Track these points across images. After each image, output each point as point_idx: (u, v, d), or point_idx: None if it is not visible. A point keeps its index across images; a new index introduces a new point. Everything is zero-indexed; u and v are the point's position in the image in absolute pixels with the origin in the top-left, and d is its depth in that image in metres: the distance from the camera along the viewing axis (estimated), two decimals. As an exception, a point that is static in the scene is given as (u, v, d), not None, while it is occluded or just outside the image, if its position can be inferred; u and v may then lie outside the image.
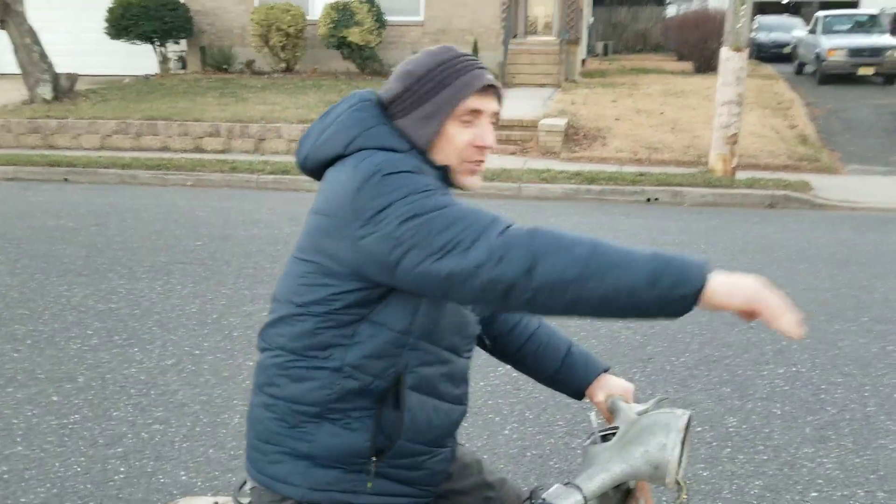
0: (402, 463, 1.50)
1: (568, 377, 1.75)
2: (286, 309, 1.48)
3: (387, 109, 1.50)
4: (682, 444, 1.48)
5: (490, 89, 1.48)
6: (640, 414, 1.55)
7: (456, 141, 1.46)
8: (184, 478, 3.26)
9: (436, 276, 1.27)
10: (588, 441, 1.54)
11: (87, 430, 3.64)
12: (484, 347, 1.79)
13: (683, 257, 1.23)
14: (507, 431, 3.63)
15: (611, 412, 1.63)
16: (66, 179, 9.72)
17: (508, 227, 1.27)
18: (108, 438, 3.57)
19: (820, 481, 3.23)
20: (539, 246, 1.23)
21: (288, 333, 1.47)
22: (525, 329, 1.77)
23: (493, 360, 4.23)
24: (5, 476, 3.27)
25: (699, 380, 4.15)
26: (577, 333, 4.75)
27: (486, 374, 4.21)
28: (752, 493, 3.15)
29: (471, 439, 3.54)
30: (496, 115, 1.52)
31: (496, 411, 3.81)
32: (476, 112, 1.47)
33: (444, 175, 1.49)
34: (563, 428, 3.65)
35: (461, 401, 1.59)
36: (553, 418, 3.73)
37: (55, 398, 3.96)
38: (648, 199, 8.69)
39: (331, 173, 1.45)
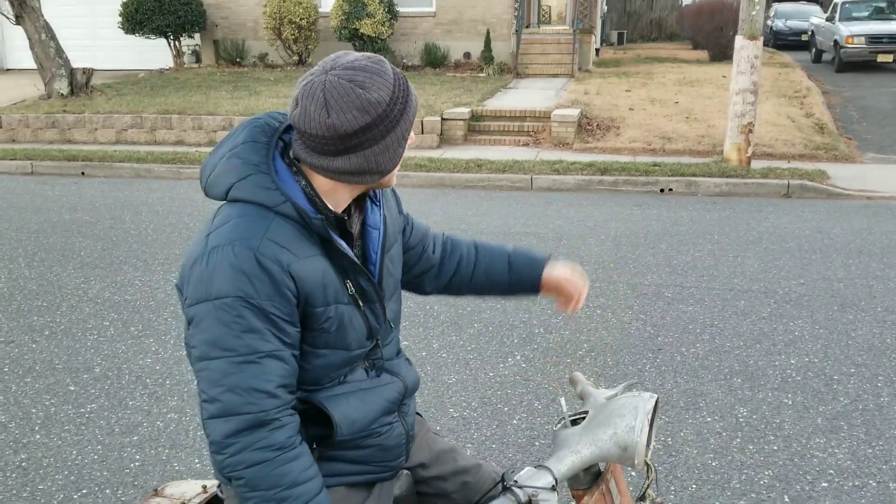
0: (347, 444, 1.56)
1: (518, 282, 1.88)
2: None
3: (328, 146, 1.40)
4: (650, 426, 1.52)
5: None
6: (609, 398, 1.58)
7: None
8: (198, 465, 3.31)
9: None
10: (559, 425, 1.58)
11: (103, 419, 3.70)
12: (428, 294, 1.93)
13: None
14: (515, 421, 3.65)
15: (581, 397, 1.65)
16: (82, 174, 9.81)
17: (252, 427, 1.38)
18: (124, 427, 3.63)
19: (831, 472, 3.23)
20: (246, 477, 1.39)
21: None
22: (467, 262, 1.89)
23: (503, 352, 4.27)
24: (24, 464, 3.33)
25: (709, 370, 4.15)
26: (587, 325, 4.77)
27: (496, 364, 4.23)
28: (762, 483, 3.15)
29: (480, 429, 3.57)
30: None
31: (505, 401, 3.83)
32: None
33: (331, 219, 1.48)
34: (572, 418, 3.66)
35: (396, 375, 1.65)
36: (562, 408, 3.73)
37: (72, 388, 4.02)
38: (662, 190, 8.66)
39: (219, 210, 1.49)
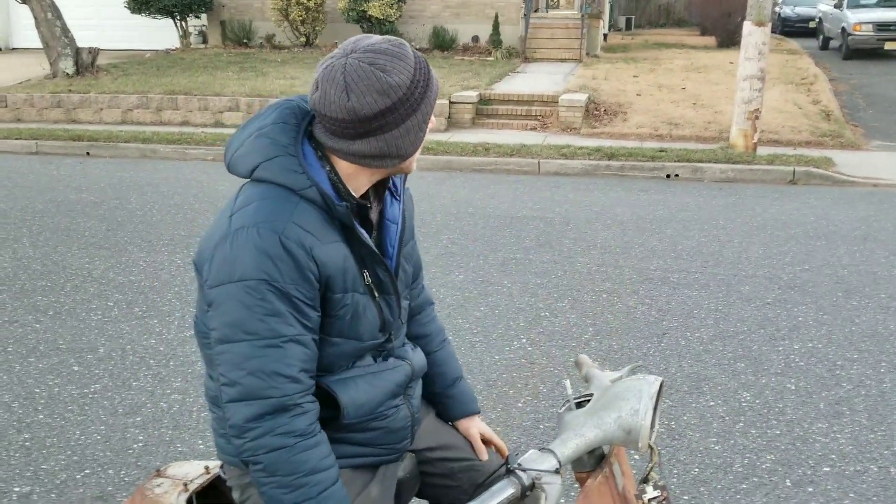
0: (353, 427, 1.56)
1: (442, 403, 1.85)
2: None
3: (351, 128, 1.39)
4: (654, 409, 1.51)
5: None
6: (614, 381, 1.58)
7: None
8: (201, 446, 3.33)
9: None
10: (563, 407, 1.58)
11: (107, 400, 3.72)
12: None
13: None
14: (520, 404, 3.66)
15: (586, 381, 1.65)
16: (87, 153, 9.80)
17: (274, 412, 1.38)
18: (128, 408, 3.65)
19: (833, 456, 3.23)
20: (265, 462, 1.39)
21: None
22: (429, 344, 1.84)
23: (509, 335, 4.28)
24: (27, 444, 3.35)
25: (713, 355, 4.15)
26: (593, 309, 4.76)
27: (502, 348, 4.24)
28: (764, 466, 3.16)
29: (485, 411, 3.57)
30: None
31: (511, 384, 3.84)
32: None
33: (351, 205, 1.47)
34: (576, 401, 3.67)
35: (403, 358, 1.65)
36: (566, 390, 3.74)
37: (76, 368, 4.04)
38: (668, 176, 8.62)
39: (242, 190, 1.48)
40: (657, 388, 1.53)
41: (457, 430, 1.84)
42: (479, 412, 1.88)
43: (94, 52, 13.51)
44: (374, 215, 1.56)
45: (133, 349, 4.25)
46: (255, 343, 1.37)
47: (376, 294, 1.53)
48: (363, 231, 1.48)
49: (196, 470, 1.85)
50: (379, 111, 1.37)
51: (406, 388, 1.65)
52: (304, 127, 1.46)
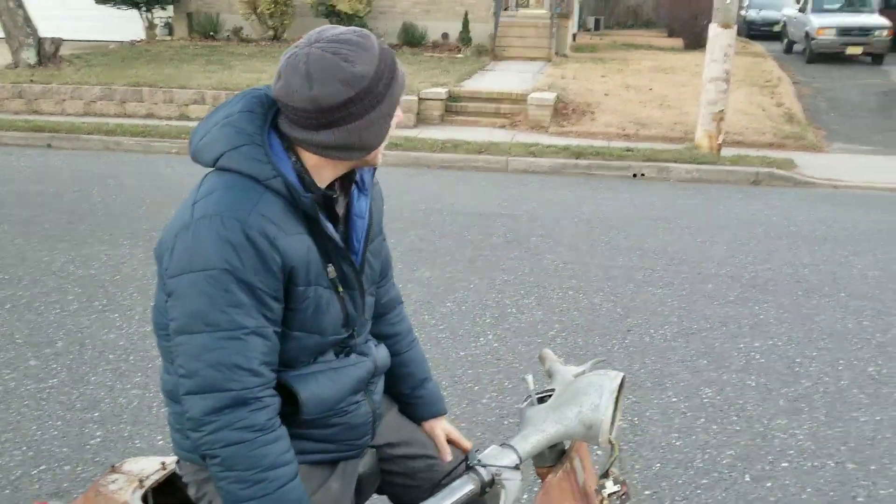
0: (313, 423, 1.54)
1: (410, 405, 1.84)
2: None
3: (315, 118, 1.38)
4: (615, 404, 1.52)
5: None
6: (577, 376, 1.58)
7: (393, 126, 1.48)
8: (160, 442, 3.28)
9: None
10: (525, 402, 1.57)
11: (64, 395, 3.65)
12: None
13: None
14: (485, 400, 3.66)
15: (549, 375, 1.65)
16: (49, 145, 9.62)
17: (233, 405, 1.35)
18: (86, 403, 3.58)
19: (791, 452, 3.27)
20: (222, 456, 1.37)
21: None
22: (398, 345, 1.83)
23: (475, 331, 4.28)
24: (-18, 438, 3.27)
25: (677, 351, 4.19)
26: (559, 305, 4.78)
27: (468, 344, 4.24)
28: (724, 462, 3.19)
29: (450, 407, 3.54)
30: None
31: (476, 380, 3.84)
32: None
33: (316, 196, 1.45)
34: (540, 397, 3.68)
35: (365, 355, 1.63)
36: (528, 385, 3.74)
37: (33, 362, 3.96)
38: (635, 175, 8.69)
39: (205, 179, 1.45)
40: (618, 383, 1.53)
41: (422, 429, 1.83)
42: (445, 412, 1.87)
43: (58, 43, 13.25)
44: (340, 209, 1.55)
45: (92, 343, 4.18)
46: (215, 334, 1.34)
47: (340, 289, 1.51)
48: (328, 224, 1.46)
49: (152, 466, 1.81)
50: (342, 101, 1.35)
51: (368, 384, 1.64)
52: (272, 117, 1.44)
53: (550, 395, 1.58)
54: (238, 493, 1.37)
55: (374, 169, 1.62)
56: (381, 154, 1.49)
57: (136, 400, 3.61)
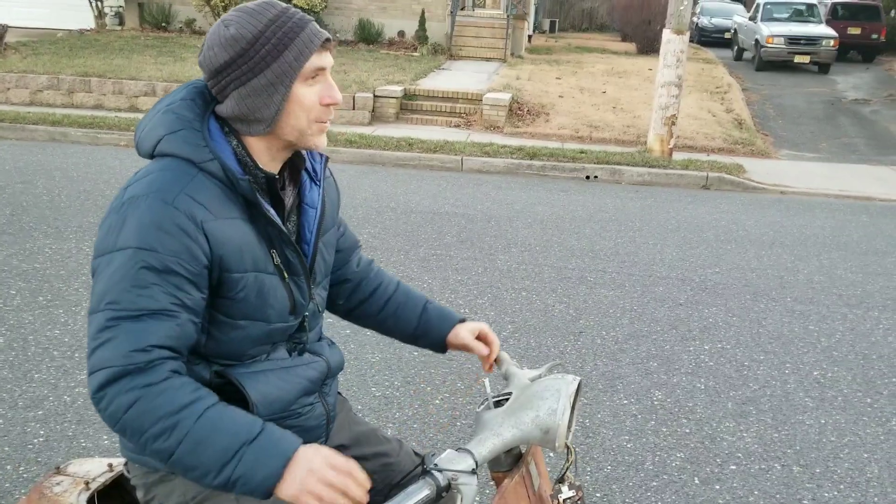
0: None
1: (426, 332, 1.79)
2: None
3: (211, 84, 1.42)
4: (572, 409, 1.52)
5: (326, 43, 1.43)
6: (533, 379, 1.59)
7: (306, 103, 1.41)
8: (106, 442, 3.20)
9: None
10: (482, 406, 1.57)
11: (6, 392, 3.53)
12: (335, 311, 1.84)
13: (266, 451, 1.29)
14: (438, 401, 3.65)
15: (505, 379, 1.65)
16: (-9, 134, 9.33)
17: (118, 377, 1.28)
18: (29, 401, 3.48)
19: (739, 455, 3.33)
20: (128, 422, 1.28)
21: None
22: (383, 293, 1.82)
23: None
24: (-83, 438, 3.15)
25: (628, 354, 4.24)
26: (512, 307, 4.80)
27: (420, 344, 4.22)
28: (674, 465, 3.24)
29: (402, 408, 3.55)
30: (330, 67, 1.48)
31: (428, 381, 3.83)
32: (320, 69, 1.42)
33: (258, 180, 1.44)
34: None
35: (319, 355, 1.61)
36: (484, 388, 3.75)
37: (-27, 359, 3.83)
38: (588, 177, 8.78)
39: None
40: (575, 387, 1.54)
41: (453, 347, 1.78)
42: (462, 320, 1.80)
43: (3, 30, 12.85)
44: (288, 198, 1.53)
45: (36, 340, 4.06)
46: (112, 313, 1.30)
47: (286, 275, 1.49)
48: (270, 208, 1.44)
49: (99, 467, 1.76)
50: (219, 66, 1.38)
51: (322, 385, 1.61)
52: (213, 103, 1.45)
53: (507, 399, 1.57)
54: (164, 448, 1.28)
55: (326, 158, 1.61)
56: (313, 136, 1.45)
57: (80, 398, 3.52)
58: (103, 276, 1.32)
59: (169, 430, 1.27)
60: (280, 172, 1.51)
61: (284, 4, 1.42)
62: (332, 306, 1.82)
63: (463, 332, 1.76)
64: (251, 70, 1.37)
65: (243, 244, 1.41)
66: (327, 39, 1.43)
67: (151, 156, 1.43)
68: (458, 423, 3.46)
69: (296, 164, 1.53)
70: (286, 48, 1.37)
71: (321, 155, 1.61)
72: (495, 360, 1.76)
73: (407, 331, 1.81)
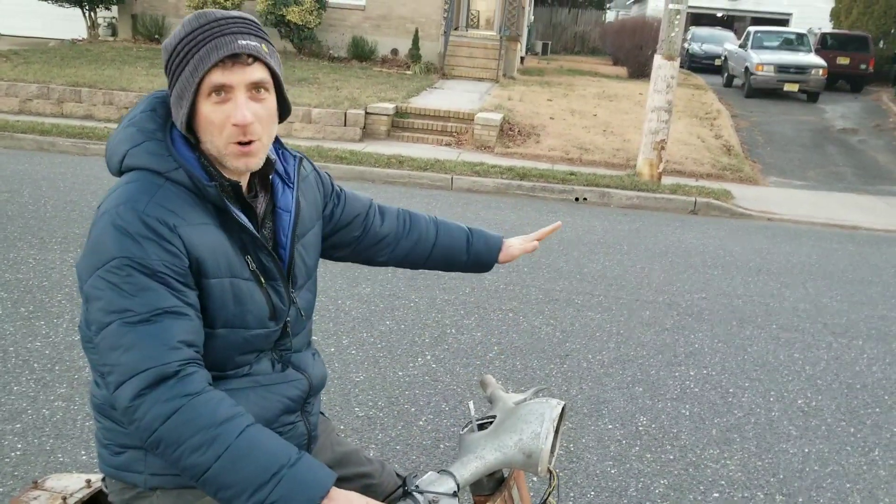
0: None
1: (476, 263, 1.93)
2: None
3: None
4: (556, 433, 1.51)
5: (242, 58, 1.34)
6: (518, 403, 1.58)
7: (214, 121, 1.36)
8: (84, 457, 3.15)
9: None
10: (465, 429, 1.56)
11: (-17, 405, 3.48)
12: (381, 264, 1.92)
13: (304, 479, 1.27)
14: (421, 422, 3.62)
15: (490, 402, 1.64)
16: (-21, 142, 9.27)
17: (156, 382, 1.26)
18: (7, 413, 3.42)
19: (722, 482, 3.32)
20: (165, 433, 1.25)
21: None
22: (426, 241, 1.90)
23: (413, 351, 4.22)
24: None
25: (613, 378, 4.23)
26: (499, 328, 4.78)
27: (406, 363, 4.20)
28: (657, 491, 3.22)
29: (385, 429, 3.52)
30: (257, 84, 1.37)
31: (412, 402, 3.80)
32: (224, 87, 1.34)
33: (227, 189, 1.43)
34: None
35: (302, 370, 1.60)
36: (469, 411, 3.73)
37: (-49, 370, 3.77)
38: (577, 199, 8.80)
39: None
40: (559, 412, 1.53)
41: (506, 259, 1.94)
42: (504, 239, 1.95)
43: (-7, 36, 12.84)
44: (260, 205, 1.52)
45: (16, 351, 4.01)
46: (127, 320, 1.28)
47: (263, 280, 1.48)
48: (240, 213, 1.43)
49: (76, 483, 1.74)
50: (164, 68, 1.40)
51: (304, 403, 1.60)
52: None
53: (491, 422, 1.56)
54: (200, 463, 1.24)
55: (299, 159, 1.60)
56: (231, 158, 1.39)
57: (59, 412, 3.47)
58: (99, 293, 1.30)
59: (208, 442, 1.24)
60: (250, 180, 1.50)
61: (218, 16, 1.36)
62: (373, 263, 1.90)
63: (514, 251, 1.92)
64: (170, 80, 1.39)
65: (217, 249, 1.40)
66: (239, 55, 1.33)
67: (120, 172, 1.42)
68: (442, 446, 3.43)
69: (264, 170, 1.51)
70: (188, 62, 1.35)
71: (294, 156, 1.59)
72: (480, 383, 1.74)
73: (457, 266, 1.93)
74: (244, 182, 1.48)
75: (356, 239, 1.82)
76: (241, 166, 1.40)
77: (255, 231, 1.45)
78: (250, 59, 1.35)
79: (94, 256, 1.32)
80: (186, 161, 1.39)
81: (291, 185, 1.56)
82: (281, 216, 1.54)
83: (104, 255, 1.31)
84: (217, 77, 1.33)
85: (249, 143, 1.38)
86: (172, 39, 1.38)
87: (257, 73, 1.36)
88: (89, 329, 1.36)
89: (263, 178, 1.53)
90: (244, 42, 1.34)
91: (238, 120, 1.35)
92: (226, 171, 1.44)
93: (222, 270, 1.41)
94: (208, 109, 1.36)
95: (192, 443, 1.24)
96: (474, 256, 1.91)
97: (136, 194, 1.35)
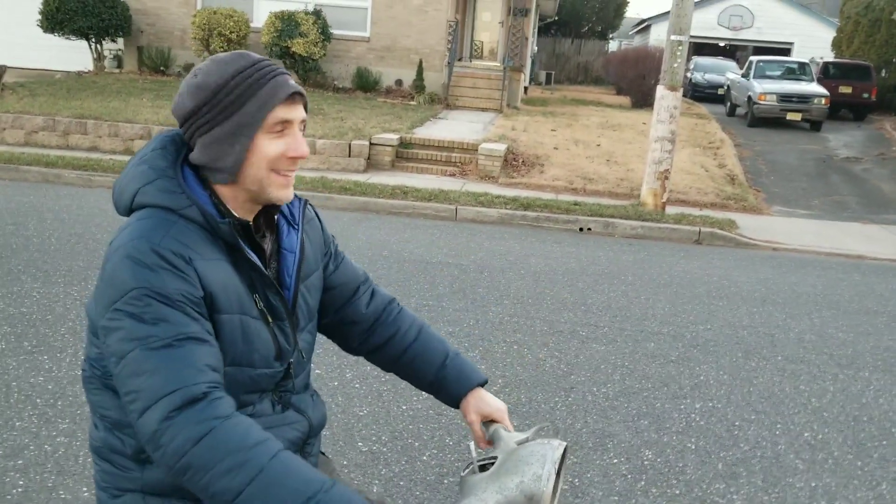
0: None
1: (441, 390, 1.75)
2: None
3: (183, 131, 1.44)
4: (558, 475, 1.50)
5: (296, 97, 1.43)
6: (520, 443, 1.56)
7: (268, 154, 1.41)
8: (86, 494, 3.13)
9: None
10: (466, 470, 1.54)
11: (-15, 440, 3.47)
12: (353, 352, 1.82)
13: (340, 501, 1.25)
14: (425, 457, 3.59)
15: (492, 441, 1.63)
16: (-15, 174, 9.33)
17: (185, 405, 1.24)
18: (9, 449, 3.41)
19: (729, 517, 3.28)
20: (195, 457, 1.22)
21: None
22: (403, 339, 1.77)
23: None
24: None
25: (618, 411, 4.20)
26: (503, 360, 4.76)
27: (409, 397, 4.17)
28: (664, 527, 3.18)
29: (389, 465, 3.50)
30: (304, 122, 1.47)
31: (416, 436, 3.77)
32: (286, 122, 1.42)
33: (237, 227, 1.44)
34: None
35: (302, 412, 1.59)
36: (471, 453, 3.70)
37: (-46, 405, 3.76)
38: (581, 229, 8.81)
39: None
40: (561, 453, 1.51)
41: (464, 414, 1.72)
42: (483, 382, 1.75)
43: (1, 70, 12.98)
44: (267, 245, 1.53)
45: (19, 386, 4.00)
46: (149, 345, 1.27)
47: (270, 319, 1.48)
48: (251, 252, 1.44)
49: None
50: (186, 113, 1.41)
51: (304, 444, 1.59)
52: (185, 151, 1.46)
53: (492, 463, 1.55)
54: (231, 487, 1.21)
55: (304, 202, 1.61)
56: (273, 188, 1.44)
57: (62, 448, 3.45)
58: (117, 323, 1.30)
59: (240, 466, 1.21)
60: (255, 220, 1.52)
61: (259, 57, 1.44)
62: (348, 347, 1.81)
63: (471, 415, 1.71)
64: (214, 119, 1.39)
65: (229, 285, 1.40)
66: (298, 94, 1.43)
67: (130, 210, 1.43)
68: (446, 481, 3.40)
69: (270, 211, 1.54)
70: (249, 99, 1.38)
71: (299, 199, 1.61)
72: (482, 422, 1.73)
73: (423, 384, 1.77)
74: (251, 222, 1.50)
75: (337, 308, 1.75)
76: (283, 196, 1.46)
77: (265, 270, 1.46)
78: (302, 99, 1.45)
79: (110, 290, 1.32)
80: (199, 198, 1.41)
81: (297, 227, 1.57)
82: (286, 257, 1.55)
83: (121, 287, 1.30)
84: (282, 112, 1.41)
85: (291, 172, 1.46)
86: (217, 77, 1.39)
87: (303, 111, 1.46)
88: (98, 363, 1.37)
89: (269, 218, 1.55)
90: (294, 83, 1.44)
91: (300, 153, 1.44)
92: (237, 211, 1.46)
93: (233, 307, 1.41)
94: (265, 143, 1.40)
95: (222, 467, 1.21)
96: (441, 381, 1.74)
97: (150, 229, 1.35)
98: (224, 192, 1.45)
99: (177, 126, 1.47)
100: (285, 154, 1.42)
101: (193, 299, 1.33)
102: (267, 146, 1.41)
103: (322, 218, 1.74)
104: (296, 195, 1.60)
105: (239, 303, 1.42)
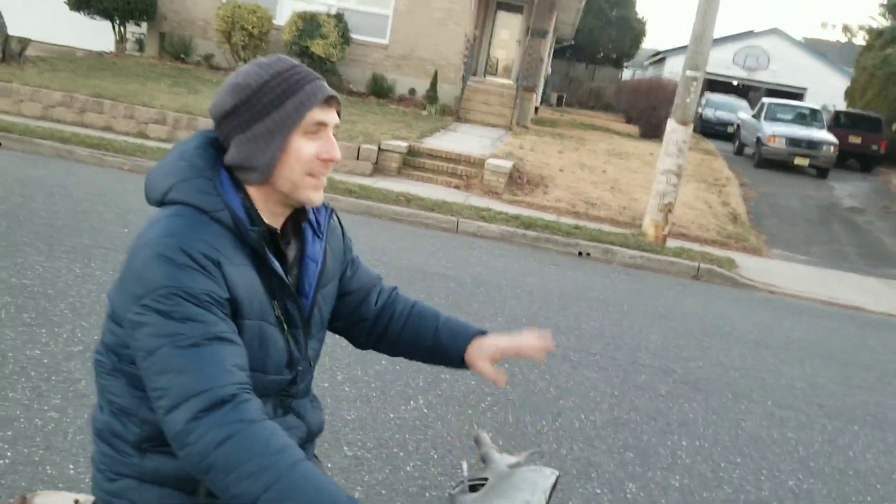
0: None
1: (444, 352, 1.78)
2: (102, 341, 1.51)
3: (218, 132, 1.47)
4: (547, 503, 1.52)
5: (331, 101, 1.47)
6: (511, 467, 1.58)
7: (302, 155, 1.44)
8: (72, 472, 3.15)
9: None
10: (456, 489, 1.56)
11: (-23, 410, 3.49)
12: (362, 346, 1.87)
13: None
14: (409, 468, 3.62)
15: (483, 461, 1.65)
16: (-3, 143, 9.37)
17: (213, 406, 1.26)
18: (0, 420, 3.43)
19: (705, 556, 3.30)
20: (218, 459, 1.25)
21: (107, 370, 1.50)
22: (397, 322, 1.81)
23: (406, 394, 4.22)
24: None
25: (605, 441, 4.22)
26: (494, 378, 4.77)
27: (397, 406, 4.20)
28: (640, 559, 3.20)
29: (372, 472, 3.52)
30: (337, 127, 1.51)
31: (401, 446, 3.80)
32: (321, 124, 1.45)
33: (263, 232, 1.46)
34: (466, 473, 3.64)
35: (302, 417, 1.61)
36: (458, 461, 3.73)
37: (-52, 371, 3.78)
38: (580, 253, 8.85)
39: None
40: (552, 482, 1.53)
41: (472, 367, 1.75)
42: (480, 333, 1.78)
43: (25, 43, 13.04)
44: (291, 252, 1.55)
45: (15, 357, 4.02)
46: (177, 343, 1.30)
47: (285, 327, 1.51)
48: (275, 261, 1.46)
49: (65, 502, 1.73)
50: (224, 111, 1.44)
51: (301, 448, 1.61)
52: (223, 154, 1.48)
53: (482, 484, 1.57)
54: (250, 491, 1.23)
55: (331, 210, 1.64)
56: (305, 190, 1.48)
57: (51, 423, 3.47)
58: (146, 318, 1.32)
59: (261, 470, 1.24)
60: (283, 226, 1.54)
61: (296, 62, 1.48)
62: (359, 344, 1.86)
63: (480, 362, 1.74)
64: (252, 117, 1.42)
65: (253, 291, 1.43)
66: (333, 98, 1.47)
67: (161, 202, 1.45)
68: (428, 494, 3.42)
69: (297, 217, 1.56)
70: (288, 98, 1.42)
71: (326, 207, 1.64)
72: (474, 440, 1.75)
73: (427, 356, 1.80)
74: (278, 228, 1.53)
75: (351, 311, 1.79)
76: (314, 198, 1.49)
77: (287, 280, 1.49)
78: (337, 105, 1.49)
79: (137, 286, 1.34)
80: (231, 202, 1.43)
81: (321, 236, 1.60)
82: (308, 265, 1.57)
83: (149, 284, 1.32)
84: (318, 114, 1.44)
85: (323, 175, 1.49)
86: (256, 78, 1.42)
87: (337, 116, 1.50)
88: (114, 350, 1.38)
89: (295, 225, 1.57)
90: (331, 89, 1.47)
91: (333, 155, 1.47)
92: (267, 216, 1.49)
93: (255, 313, 1.44)
94: (300, 143, 1.44)
95: (244, 470, 1.23)
96: (439, 345, 1.78)
97: (182, 228, 1.37)
98: (256, 194, 1.48)
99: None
100: (318, 156, 1.46)
101: (220, 300, 1.36)
102: (301, 147, 1.44)
103: (344, 225, 1.77)
104: (324, 203, 1.64)
105: (260, 309, 1.45)
